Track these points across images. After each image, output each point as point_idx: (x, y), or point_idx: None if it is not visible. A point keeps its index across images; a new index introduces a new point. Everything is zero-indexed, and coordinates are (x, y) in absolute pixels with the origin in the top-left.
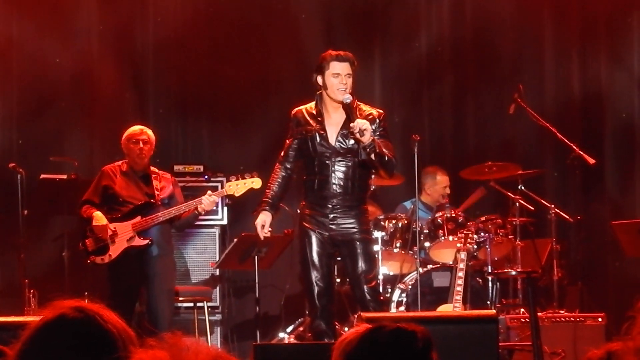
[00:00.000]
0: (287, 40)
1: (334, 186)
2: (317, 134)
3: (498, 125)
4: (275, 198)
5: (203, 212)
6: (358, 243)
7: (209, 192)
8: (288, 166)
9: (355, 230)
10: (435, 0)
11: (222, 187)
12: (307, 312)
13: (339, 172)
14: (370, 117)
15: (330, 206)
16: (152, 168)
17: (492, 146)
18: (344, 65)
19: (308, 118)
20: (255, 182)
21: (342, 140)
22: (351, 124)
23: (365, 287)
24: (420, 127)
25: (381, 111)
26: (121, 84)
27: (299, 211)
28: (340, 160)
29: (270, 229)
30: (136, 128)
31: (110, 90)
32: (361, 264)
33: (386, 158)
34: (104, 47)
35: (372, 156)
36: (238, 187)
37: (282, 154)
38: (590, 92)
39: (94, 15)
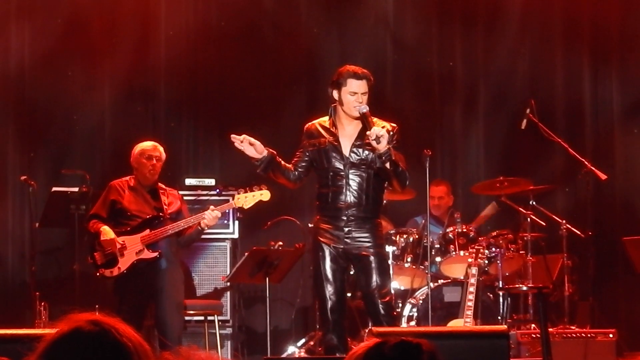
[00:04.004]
0: (299, 54)
1: (348, 197)
2: (330, 146)
3: (509, 140)
4: (279, 160)
5: (206, 228)
6: (372, 257)
7: (212, 207)
8: (297, 170)
9: (369, 244)
10: (448, 17)
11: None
12: (317, 326)
13: (353, 183)
14: (385, 130)
15: (344, 218)
16: (159, 184)
17: (503, 161)
18: (361, 83)
19: (321, 131)
20: (264, 195)
21: (356, 152)
22: (367, 132)
23: (379, 301)
24: (431, 142)
25: (394, 125)
26: (133, 97)
27: (312, 225)
28: (354, 172)
29: (250, 142)
30: (149, 144)
31: (123, 103)
32: (375, 279)
33: (400, 168)
34: (116, 61)
35: (387, 165)
36: (247, 199)
37: (293, 160)
38: (601, 108)
39: (106, 30)
